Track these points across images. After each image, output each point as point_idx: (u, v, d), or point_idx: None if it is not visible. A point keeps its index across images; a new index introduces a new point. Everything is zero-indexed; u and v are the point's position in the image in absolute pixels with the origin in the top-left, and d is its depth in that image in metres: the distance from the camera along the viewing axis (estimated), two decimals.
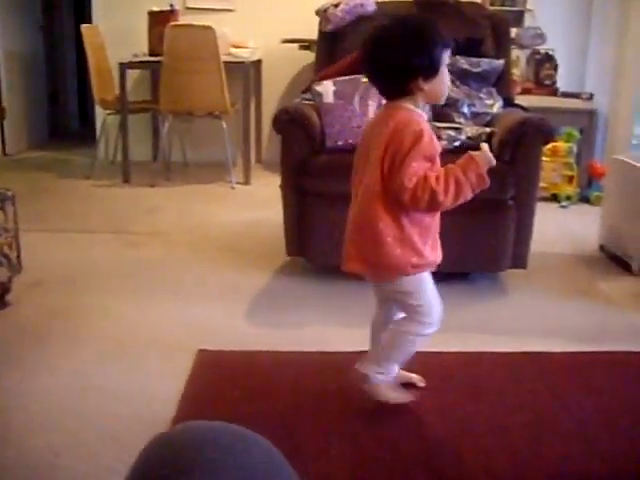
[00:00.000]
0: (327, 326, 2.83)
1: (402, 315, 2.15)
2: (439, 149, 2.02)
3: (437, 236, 2.11)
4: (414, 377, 2.33)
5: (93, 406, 2.20)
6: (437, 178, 1.94)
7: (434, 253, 2.08)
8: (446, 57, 1.98)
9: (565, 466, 1.96)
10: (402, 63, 1.94)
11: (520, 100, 4.74)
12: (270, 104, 5.80)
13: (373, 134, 2.04)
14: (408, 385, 2.29)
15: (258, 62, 5.91)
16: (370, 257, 2.05)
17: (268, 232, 3.84)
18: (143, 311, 2.94)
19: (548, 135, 3.05)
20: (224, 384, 2.35)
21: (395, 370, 2.17)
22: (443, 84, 2.01)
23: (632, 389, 2.40)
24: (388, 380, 2.15)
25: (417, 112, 2.01)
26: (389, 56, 1.96)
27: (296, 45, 5.59)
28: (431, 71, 1.95)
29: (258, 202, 4.72)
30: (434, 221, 2.08)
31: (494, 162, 2.01)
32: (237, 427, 0.86)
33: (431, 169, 1.96)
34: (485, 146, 2.04)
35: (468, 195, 1.99)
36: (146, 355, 2.54)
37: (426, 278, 2.10)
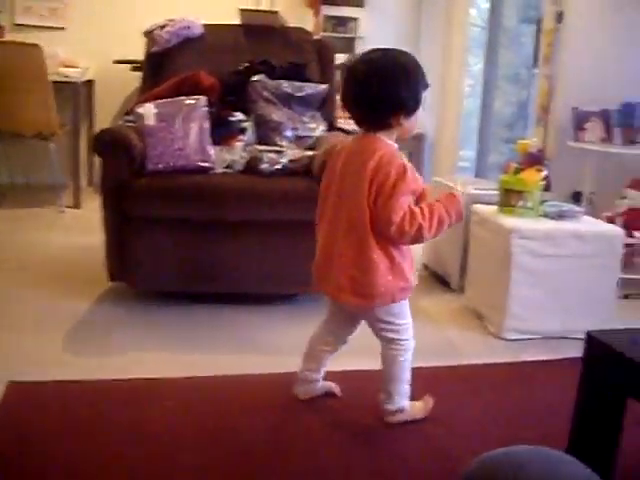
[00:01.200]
0: (147, 352, 2.77)
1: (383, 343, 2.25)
2: (421, 183, 2.07)
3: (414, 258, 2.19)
4: (334, 386, 2.47)
5: None
6: (422, 214, 2.01)
7: (412, 274, 2.15)
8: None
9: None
10: (392, 98, 2.01)
11: (351, 124, 4.86)
12: (103, 126, 5.65)
13: (352, 165, 2.06)
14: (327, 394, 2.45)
15: (90, 82, 5.77)
16: (365, 289, 2.08)
17: (94, 257, 3.70)
18: None
19: None
20: (33, 416, 2.24)
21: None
22: (416, 122, 2.09)
23: (440, 402, 2.48)
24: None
25: (395, 146, 2.08)
26: (382, 89, 2.00)
27: (129, 66, 5.49)
28: (414, 109, 2.04)
29: (87, 226, 4.56)
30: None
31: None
32: None
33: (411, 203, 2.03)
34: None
35: (445, 229, 2.09)
36: None
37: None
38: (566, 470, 0.88)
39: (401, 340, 2.21)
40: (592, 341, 1.65)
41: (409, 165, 2.03)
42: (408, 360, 2.25)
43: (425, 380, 2.66)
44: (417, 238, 2.03)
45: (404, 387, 2.26)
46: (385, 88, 2.00)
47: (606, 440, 1.69)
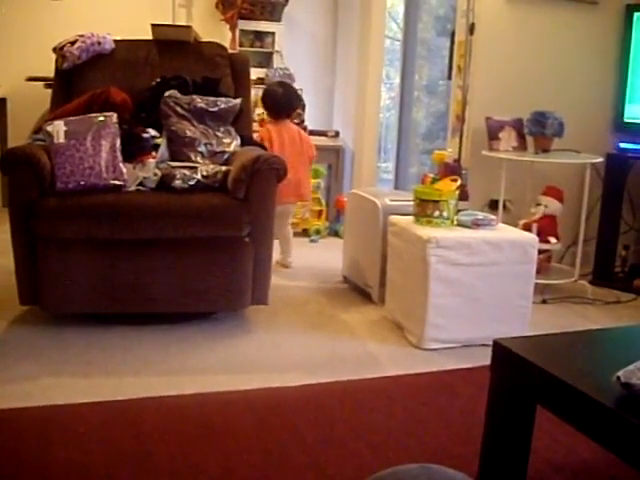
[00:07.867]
0: (58, 377, 2.68)
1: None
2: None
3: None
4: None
5: None
6: None
7: None
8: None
9: None
10: (293, 105, 4.39)
11: None
12: (17, 144, 5.51)
13: (294, 136, 4.29)
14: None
15: (2, 101, 5.63)
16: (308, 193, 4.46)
17: (6, 279, 3.61)
18: None
19: (280, 172, 3.11)
20: None
21: None
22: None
23: (361, 416, 2.47)
24: None
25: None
26: (289, 101, 4.32)
27: (42, 83, 5.37)
28: (295, 110, 4.48)
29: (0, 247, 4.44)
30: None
31: None
32: None
33: None
34: None
35: None
36: None
37: None
38: None
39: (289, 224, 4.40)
40: (498, 348, 1.65)
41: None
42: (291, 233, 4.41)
43: (345, 393, 2.65)
44: None
45: (291, 250, 4.35)
46: (288, 101, 4.32)
47: (517, 447, 1.69)
